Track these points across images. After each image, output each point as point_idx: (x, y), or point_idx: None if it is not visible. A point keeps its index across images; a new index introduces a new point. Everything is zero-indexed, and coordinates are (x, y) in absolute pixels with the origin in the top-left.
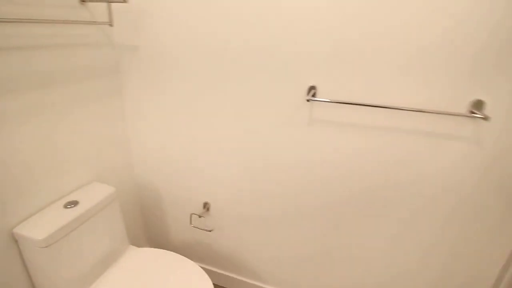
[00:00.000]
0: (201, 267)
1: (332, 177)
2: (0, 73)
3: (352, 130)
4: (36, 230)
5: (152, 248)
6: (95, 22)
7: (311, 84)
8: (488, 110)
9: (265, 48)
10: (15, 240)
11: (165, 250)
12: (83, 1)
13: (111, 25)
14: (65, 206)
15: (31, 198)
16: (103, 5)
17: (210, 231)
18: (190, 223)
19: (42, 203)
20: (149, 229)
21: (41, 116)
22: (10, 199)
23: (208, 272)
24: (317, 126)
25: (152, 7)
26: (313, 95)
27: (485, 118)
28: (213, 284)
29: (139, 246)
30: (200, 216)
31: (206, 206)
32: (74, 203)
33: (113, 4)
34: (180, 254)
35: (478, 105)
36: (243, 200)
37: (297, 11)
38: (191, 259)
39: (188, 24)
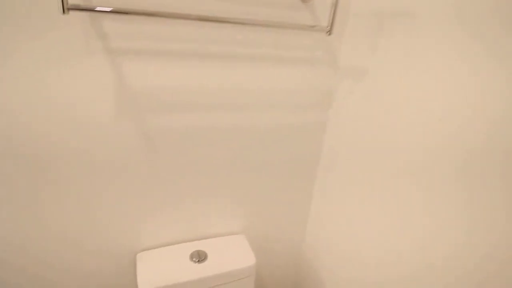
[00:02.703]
0: None
1: None
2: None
3: None
4: (148, 272)
5: None
6: (314, 27)
7: None
8: None
9: None
10: (135, 264)
11: None
12: (304, 1)
13: (329, 32)
14: (191, 258)
15: (167, 227)
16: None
17: None
18: None
19: (175, 236)
20: None
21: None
22: (147, 222)
23: None
24: None
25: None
26: None
27: None
28: None
29: None
30: None
31: None
32: (203, 256)
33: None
34: None
35: None
36: None
37: None
38: None
39: None
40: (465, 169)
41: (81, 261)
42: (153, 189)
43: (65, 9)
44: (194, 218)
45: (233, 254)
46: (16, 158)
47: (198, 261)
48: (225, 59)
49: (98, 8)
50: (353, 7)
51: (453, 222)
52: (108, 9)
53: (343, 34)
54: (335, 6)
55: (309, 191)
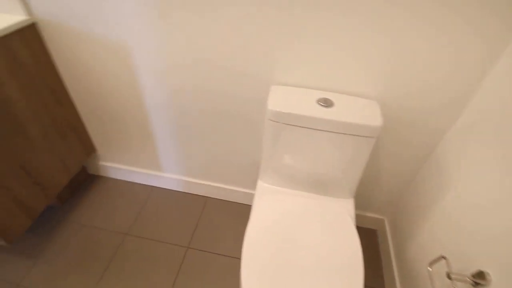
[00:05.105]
0: None
1: None
2: None
3: None
4: (278, 100)
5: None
6: None
7: None
8: None
9: None
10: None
11: None
12: None
13: None
14: (318, 101)
15: (301, 70)
16: None
17: None
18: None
19: (307, 81)
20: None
21: None
22: (284, 60)
23: None
24: None
25: None
26: None
27: None
28: None
29: (362, 210)
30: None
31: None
32: (329, 104)
33: None
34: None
35: None
36: None
37: None
38: None
39: None
40: None
41: (231, 85)
42: (293, 28)
43: None
44: (329, 68)
45: (360, 112)
46: None
47: (325, 106)
48: None
49: None
50: None
51: None
52: None
53: None
54: None
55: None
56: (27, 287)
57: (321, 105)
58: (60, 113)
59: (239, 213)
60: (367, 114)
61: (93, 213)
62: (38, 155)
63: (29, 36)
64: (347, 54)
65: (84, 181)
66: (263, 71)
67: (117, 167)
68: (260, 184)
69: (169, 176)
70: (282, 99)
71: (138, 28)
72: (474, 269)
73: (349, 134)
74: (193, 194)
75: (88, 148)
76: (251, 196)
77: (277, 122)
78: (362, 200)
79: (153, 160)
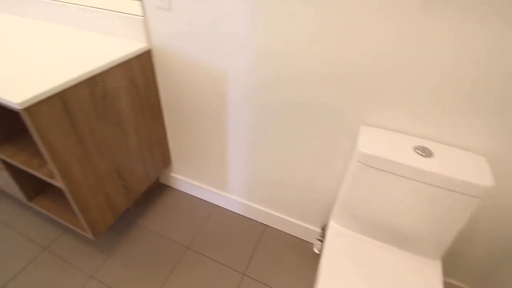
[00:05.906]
0: None
1: None
2: None
3: None
4: (369, 142)
5: None
6: None
7: None
8: None
9: None
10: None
11: None
12: None
13: None
14: (415, 149)
15: (396, 114)
16: None
17: None
18: None
19: (402, 125)
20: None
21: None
22: (385, 101)
23: None
24: None
25: None
26: None
27: None
28: None
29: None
30: None
31: None
32: (427, 154)
33: None
34: None
35: None
36: None
37: None
38: None
39: None
40: None
41: (316, 116)
42: (391, 65)
43: None
44: (429, 113)
45: (466, 167)
46: None
47: (423, 155)
48: None
49: None
50: None
51: None
52: None
53: None
54: None
55: None
56: (99, 280)
57: (419, 153)
58: (153, 128)
59: (299, 248)
60: (474, 170)
61: (160, 221)
62: (130, 162)
63: (144, 60)
64: (452, 98)
65: (156, 189)
66: (354, 109)
67: (186, 180)
68: (333, 224)
69: (232, 198)
70: (375, 142)
71: (236, 62)
72: None
73: (450, 190)
74: (253, 219)
75: (166, 160)
76: (313, 233)
77: (366, 165)
78: (444, 262)
79: (221, 179)
